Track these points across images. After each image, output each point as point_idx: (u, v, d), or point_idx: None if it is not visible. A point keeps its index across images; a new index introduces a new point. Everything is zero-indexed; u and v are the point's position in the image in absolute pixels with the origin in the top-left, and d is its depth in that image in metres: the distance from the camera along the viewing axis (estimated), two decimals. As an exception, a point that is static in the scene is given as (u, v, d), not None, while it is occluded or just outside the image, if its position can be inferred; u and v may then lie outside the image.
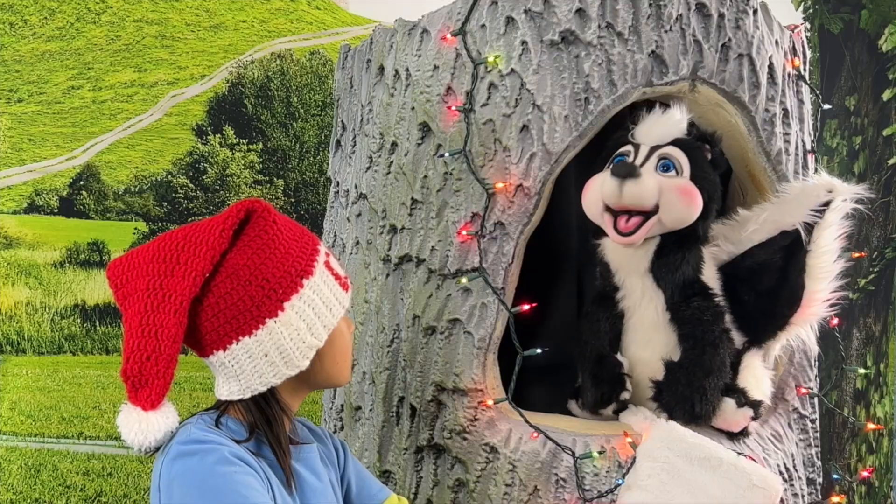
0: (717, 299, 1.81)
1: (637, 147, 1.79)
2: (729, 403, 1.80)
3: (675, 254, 1.78)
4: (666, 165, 1.75)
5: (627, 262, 1.82)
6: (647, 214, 1.74)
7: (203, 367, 1.33)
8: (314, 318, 1.29)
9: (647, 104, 1.88)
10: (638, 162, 1.76)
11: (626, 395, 1.81)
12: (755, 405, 1.83)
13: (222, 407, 1.33)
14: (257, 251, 1.26)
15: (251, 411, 1.30)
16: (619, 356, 1.84)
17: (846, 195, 1.81)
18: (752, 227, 1.85)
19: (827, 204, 1.80)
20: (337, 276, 1.35)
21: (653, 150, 1.77)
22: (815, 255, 1.82)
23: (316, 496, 1.35)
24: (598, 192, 1.77)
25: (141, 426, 1.22)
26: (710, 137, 1.82)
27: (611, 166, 1.79)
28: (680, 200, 1.73)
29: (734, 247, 1.87)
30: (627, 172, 1.72)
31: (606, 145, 1.85)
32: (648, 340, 1.82)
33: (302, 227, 1.37)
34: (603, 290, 1.87)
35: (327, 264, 1.34)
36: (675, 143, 1.77)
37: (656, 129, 1.78)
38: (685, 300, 1.79)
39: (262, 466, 1.26)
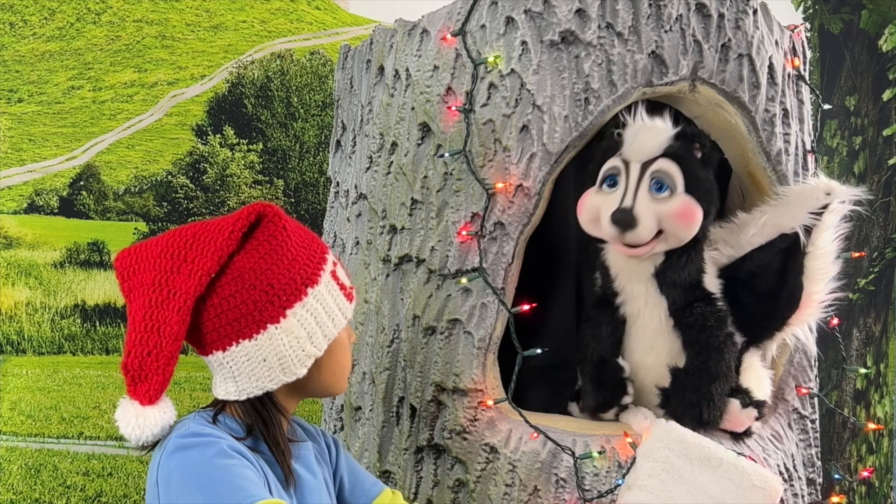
0: (719, 304, 1.81)
1: (627, 165, 1.75)
2: (734, 404, 1.81)
3: (680, 258, 1.78)
4: (659, 184, 1.72)
5: (631, 269, 1.81)
6: None
7: (203, 367, 1.33)
8: (315, 327, 1.29)
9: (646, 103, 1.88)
10: (631, 186, 1.72)
11: (627, 400, 1.81)
12: (759, 405, 1.84)
13: (219, 405, 1.33)
14: (264, 256, 1.27)
15: (248, 413, 1.31)
16: (620, 361, 1.84)
17: (844, 197, 1.81)
18: (752, 230, 1.84)
19: (825, 206, 1.80)
20: (342, 287, 1.35)
21: (644, 166, 1.73)
22: (813, 257, 1.82)
23: (312, 495, 1.36)
24: (595, 212, 1.76)
25: (138, 420, 1.22)
26: (698, 136, 1.78)
27: (604, 190, 1.76)
28: (680, 225, 1.72)
29: (734, 250, 1.87)
30: (626, 223, 1.69)
31: (595, 154, 1.82)
32: (653, 346, 1.82)
33: (312, 233, 1.37)
34: (603, 294, 1.87)
35: (334, 274, 1.34)
36: (666, 153, 1.73)
37: (645, 145, 1.74)
38: (688, 306, 1.79)
39: (260, 462, 1.27)
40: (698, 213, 1.72)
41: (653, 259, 1.78)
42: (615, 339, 1.85)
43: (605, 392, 1.82)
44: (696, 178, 1.74)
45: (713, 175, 1.80)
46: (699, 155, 1.76)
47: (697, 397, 1.75)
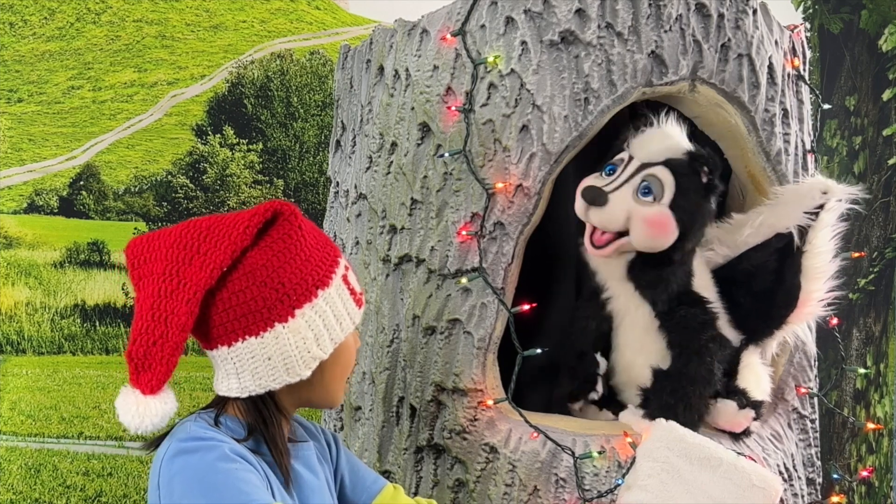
0: (707, 306, 1.80)
1: (629, 160, 1.75)
2: (730, 405, 1.80)
3: (651, 271, 1.77)
4: (646, 189, 1.71)
5: (605, 267, 1.83)
6: (620, 232, 1.73)
7: (203, 367, 1.33)
8: (323, 329, 1.29)
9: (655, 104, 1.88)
10: (623, 177, 1.73)
11: (594, 396, 1.83)
12: (756, 406, 1.84)
13: (220, 405, 1.33)
14: (277, 254, 1.26)
15: (250, 412, 1.30)
16: (598, 356, 1.84)
17: (840, 196, 1.81)
18: (748, 230, 1.84)
19: (822, 205, 1.80)
20: (353, 292, 1.34)
21: (642, 167, 1.73)
22: (810, 256, 1.82)
23: (314, 495, 1.35)
24: None
25: (139, 409, 1.21)
26: (709, 161, 1.73)
27: (602, 176, 1.77)
28: (645, 231, 1.70)
29: (729, 250, 1.87)
30: (593, 199, 1.70)
31: (613, 144, 1.84)
32: (642, 346, 1.82)
33: (326, 236, 1.36)
34: (593, 288, 1.88)
35: (345, 278, 1.33)
36: (668, 163, 1.72)
37: (650, 145, 1.74)
38: (672, 308, 1.78)
39: (262, 465, 1.27)
40: (670, 229, 1.69)
41: (621, 262, 1.78)
42: (599, 334, 1.86)
43: (576, 383, 1.84)
44: (687, 198, 1.71)
45: (713, 204, 1.77)
46: (704, 180, 1.73)
47: (674, 400, 1.75)
